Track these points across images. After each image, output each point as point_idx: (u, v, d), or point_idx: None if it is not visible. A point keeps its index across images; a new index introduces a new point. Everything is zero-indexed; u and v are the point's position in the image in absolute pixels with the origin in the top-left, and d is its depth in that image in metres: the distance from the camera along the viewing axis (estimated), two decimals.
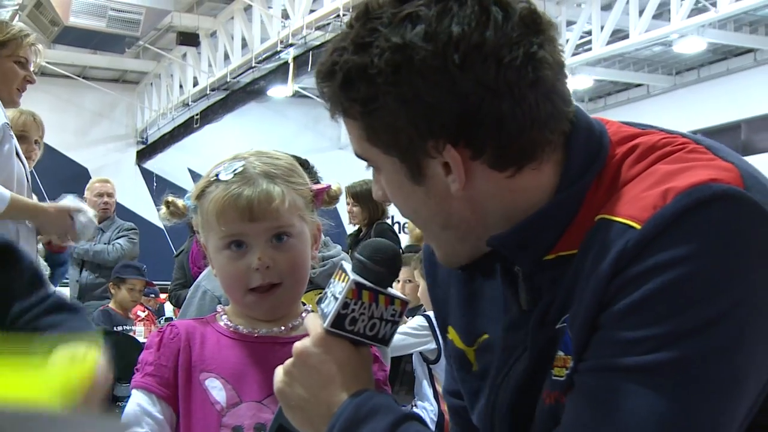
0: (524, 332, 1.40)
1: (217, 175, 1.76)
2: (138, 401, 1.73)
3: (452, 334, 1.58)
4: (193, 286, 3.26)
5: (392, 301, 1.43)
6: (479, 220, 1.36)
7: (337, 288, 1.43)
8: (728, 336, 1.16)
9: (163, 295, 8.94)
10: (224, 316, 1.82)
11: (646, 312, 1.18)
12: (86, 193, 7.43)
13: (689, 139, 1.33)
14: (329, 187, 1.86)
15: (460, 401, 1.62)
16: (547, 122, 1.28)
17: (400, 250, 1.62)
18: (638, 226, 1.20)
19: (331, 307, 1.41)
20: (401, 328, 5.21)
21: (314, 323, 1.43)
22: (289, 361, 1.43)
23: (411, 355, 5.28)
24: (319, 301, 1.46)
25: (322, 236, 1.89)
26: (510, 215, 1.34)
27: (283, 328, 1.76)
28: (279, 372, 1.44)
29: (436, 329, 4.23)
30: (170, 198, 1.88)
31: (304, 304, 1.85)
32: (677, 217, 1.18)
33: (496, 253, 1.40)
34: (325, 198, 1.86)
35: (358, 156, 1.43)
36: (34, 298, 1.67)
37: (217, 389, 1.71)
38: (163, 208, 1.90)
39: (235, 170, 1.75)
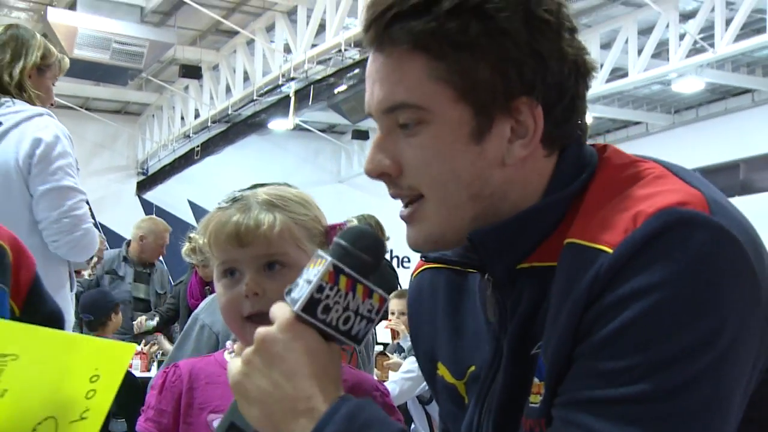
0: (494, 348, 1.39)
1: (219, 204, 1.76)
2: None
3: (442, 369, 1.53)
4: (190, 318, 3.25)
5: (371, 294, 1.29)
6: (500, 198, 1.33)
7: (312, 272, 1.27)
8: (710, 361, 1.14)
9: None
10: (231, 353, 1.78)
11: (625, 341, 1.15)
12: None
13: (658, 163, 1.33)
14: (344, 224, 1.78)
15: None
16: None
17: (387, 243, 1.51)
18: (610, 251, 1.18)
19: (303, 291, 1.26)
20: (397, 375, 5.20)
21: (282, 309, 1.27)
22: (249, 349, 1.26)
23: None
24: (288, 292, 1.29)
25: None
26: (505, 207, 1.33)
27: None
28: (236, 362, 1.28)
29: None
30: (193, 234, 1.85)
31: None
32: (647, 240, 1.16)
33: (470, 261, 1.40)
34: None
35: (395, 107, 1.32)
36: None
37: None
38: (186, 244, 1.89)
39: (233, 198, 1.75)
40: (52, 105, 3.72)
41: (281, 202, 1.75)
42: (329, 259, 1.27)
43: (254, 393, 1.25)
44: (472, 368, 1.46)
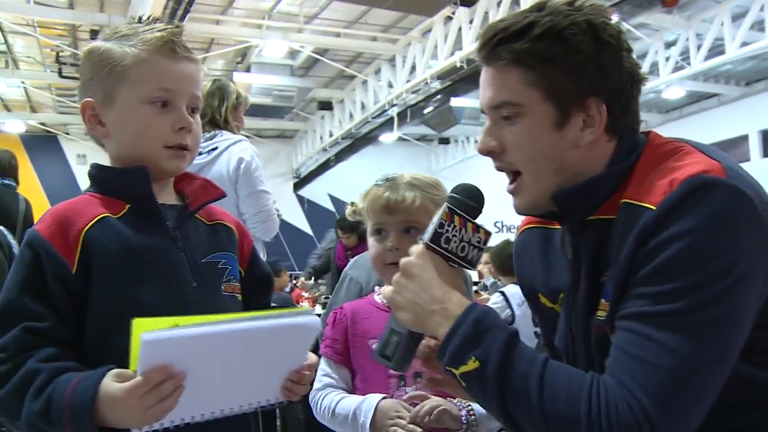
0: (573, 278, 1.36)
1: (376, 182, 1.76)
2: (323, 366, 1.76)
3: (543, 298, 1.50)
4: (342, 274, 3.27)
5: (478, 229, 1.27)
6: (577, 171, 1.30)
7: (435, 217, 1.27)
8: (727, 285, 1.11)
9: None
10: (379, 296, 1.79)
11: (666, 273, 1.13)
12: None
13: (685, 142, 1.30)
14: None
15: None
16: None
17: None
18: (654, 207, 1.16)
19: (430, 229, 1.26)
20: (487, 305, 5.12)
21: (416, 246, 1.28)
22: (396, 274, 1.27)
23: None
24: (421, 238, 1.29)
25: None
26: (579, 178, 1.30)
27: None
28: (389, 287, 1.29)
29: (509, 301, 4.13)
30: (353, 201, 1.86)
31: None
32: (680, 200, 1.14)
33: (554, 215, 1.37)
34: None
35: (499, 105, 1.29)
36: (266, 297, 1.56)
37: None
38: (349, 208, 1.88)
39: (386, 179, 1.75)
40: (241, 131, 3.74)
41: (420, 184, 1.72)
42: (445, 204, 1.27)
43: (402, 302, 1.26)
44: (562, 294, 1.44)
